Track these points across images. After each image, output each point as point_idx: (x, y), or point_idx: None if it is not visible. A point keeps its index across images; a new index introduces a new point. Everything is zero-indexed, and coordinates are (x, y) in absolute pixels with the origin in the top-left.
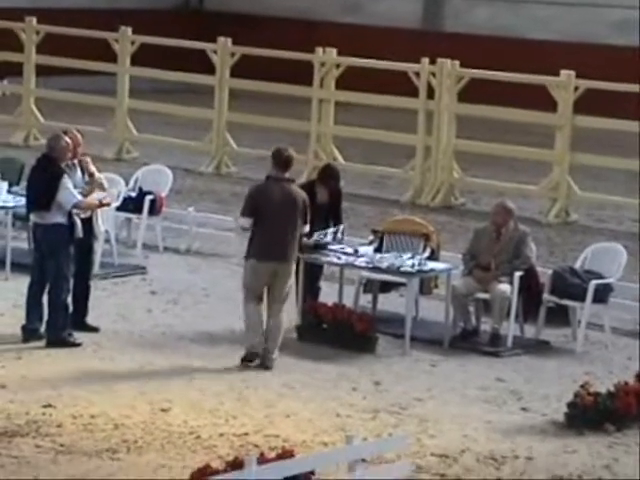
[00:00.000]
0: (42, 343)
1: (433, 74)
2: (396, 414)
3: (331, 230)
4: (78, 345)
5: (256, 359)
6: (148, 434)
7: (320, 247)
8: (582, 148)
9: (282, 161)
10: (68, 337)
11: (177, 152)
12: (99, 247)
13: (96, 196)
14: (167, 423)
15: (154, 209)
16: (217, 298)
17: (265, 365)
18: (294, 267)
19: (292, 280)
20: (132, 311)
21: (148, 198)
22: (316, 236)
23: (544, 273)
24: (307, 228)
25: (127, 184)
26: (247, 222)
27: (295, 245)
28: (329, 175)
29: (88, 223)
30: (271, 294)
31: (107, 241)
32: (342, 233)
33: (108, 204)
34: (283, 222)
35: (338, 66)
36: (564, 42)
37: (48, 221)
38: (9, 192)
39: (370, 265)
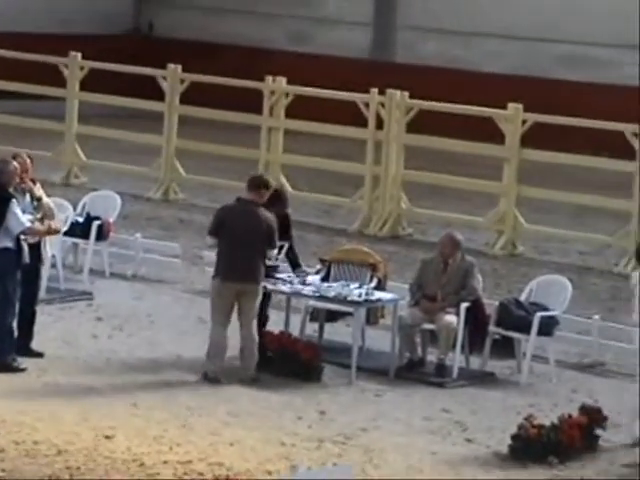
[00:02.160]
0: None
1: (382, 104)
2: (341, 444)
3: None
4: (22, 370)
5: (215, 383)
6: (91, 461)
7: (269, 275)
8: (529, 181)
9: (253, 184)
10: (12, 362)
11: (125, 178)
12: (45, 272)
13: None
14: (110, 450)
15: (101, 235)
16: (162, 325)
17: (246, 382)
18: (260, 289)
19: (259, 300)
20: (77, 337)
21: (96, 223)
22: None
23: (490, 305)
24: (275, 252)
25: (75, 209)
26: (211, 241)
27: (261, 266)
28: (277, 198)
29: (36, 248)
30: (241, 313)
31: (54, 266)
32: (292, 251)
33: (57, 231)
34: (246, 243)
35: (287, 95)
36: (512, 75)
37: None
38: None
39: (317, 294)
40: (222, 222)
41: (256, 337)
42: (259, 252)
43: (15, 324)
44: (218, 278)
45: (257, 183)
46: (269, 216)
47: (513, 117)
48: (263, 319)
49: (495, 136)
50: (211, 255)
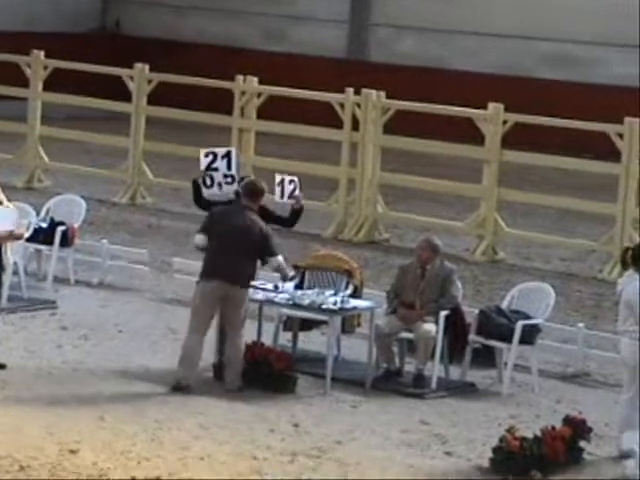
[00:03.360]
0: None
1: (358, 105)
2: (315, 457)
3: None
4: None
5: (185, 391)
6: (55, 476)
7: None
8: (510, 184)
9: (249, 191)
10: None
11: (91, 181)
12: (7, 279)
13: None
14: (76, 465)
15: (66, 240)
16: (130, 334)
17: (230, 390)
18: (247, 294)
19: (246, 306)
20: (41, 347)
21: (60, 229)
22: None
23: (470, 313)
24: (280, 258)
25: (38, 214)
26: (201, 240)
27: (247, 272)
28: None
29: None
30: (225, 320)
31: (15, 273)
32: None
33: (20, 236)
34: (236, 246)
35: (259, 95)
36: (492, 74)
37: None
38: None
39: (290, 302)
40: (214, 222)
41: (242, 347)
42: (248, 257)
43: None
44: (203, 279)
45: (254, 190)
46: (262, 224)
47: (493, 117)
48: None
49: (475, 137)
50: (179, 262)
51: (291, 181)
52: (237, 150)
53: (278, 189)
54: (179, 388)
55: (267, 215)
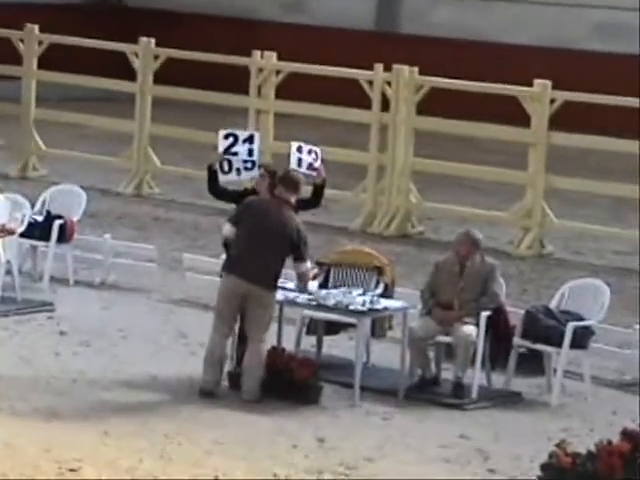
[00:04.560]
0: None
1: (388, 83)
2: (343, 475)
3: None
4: None
5: (212, 397)
6: None
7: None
8: (559, 169)
9: (291, 183)
10: None
11: (92, 170)
12: None
13: None
14: None
15: (64, 236)
16: (136, 340)
17: (247, 401)
18: (273, 298)
19: (271, 311)
20: (37, 354)
21: (57, 223)
22: None
23: (515, 313)
24: (308, 265)
25: (33, 206)
26: (229, 230)
27: (272, 273)
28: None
29: None
30: (246, 322)
31: (8, 273)
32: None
33: (12, 231)
34: (264, 243)
35: (278, 72)
36: (538, 47)
37: None
38: None
39: (314, 303)
40: (247, 213)
41: (263, 353)
42: (278, 256)
43: None
44: (224, 273)
45: (295, 184)
46: (298, 223)
47: (540, 96)
48: None
49: (519, 118)
50: (191, 258)
51: (311, 150)
52: (260, 134)
53: (294, 157)
54: (204, 394)
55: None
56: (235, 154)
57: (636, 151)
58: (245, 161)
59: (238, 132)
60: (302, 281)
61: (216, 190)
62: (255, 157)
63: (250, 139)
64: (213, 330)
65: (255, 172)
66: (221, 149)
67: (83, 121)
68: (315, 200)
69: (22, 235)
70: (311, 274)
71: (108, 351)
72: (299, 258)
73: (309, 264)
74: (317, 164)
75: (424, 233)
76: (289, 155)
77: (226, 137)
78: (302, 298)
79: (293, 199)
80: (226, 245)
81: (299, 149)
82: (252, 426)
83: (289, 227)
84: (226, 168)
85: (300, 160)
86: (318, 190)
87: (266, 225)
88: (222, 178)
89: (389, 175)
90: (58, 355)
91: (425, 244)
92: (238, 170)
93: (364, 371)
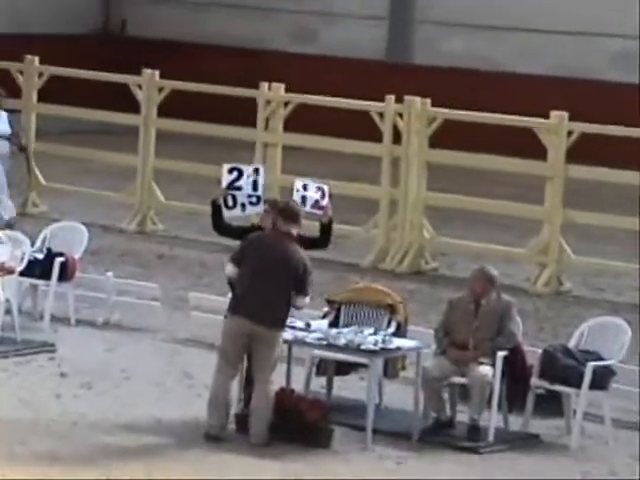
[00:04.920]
0: None
1: (400, 115)
2: None
3: None
4: None
5: (217, 441)
6: None
7: None
8: (577, 204)
9: (291, 215)
10: None
11: (93, 205)
12: None
13: None
14: None
15: (65, 274)
16: (139, 381)
17: (255, 444)
18: (280, 337)
19: (278, 350)
20: (37, 396)
21: (58, 261)
22: None
23: (532, 353)
24: (307, 300)
25: (33, 244)
26: (232, 270)
27: (282, 312)
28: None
29: None
30: (254, 362)
31: (8, 312)
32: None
33: (12, 270)
34: (268, 280)
35: (287, 104)
36: (555, 77)
37: None
38: None
39: (324, 342)
40: (249, 250)
41: (271, 394)
42: (284, 294)
43: None
44: (229, 314)
45: (295, 215)
46: (303, 256)
47: (557, 127)
48: None
49: (536, 150)
50: (197, 297)
51: (318, 188)
52: (265, 168)
53: (299, 195)
54: (209, 438)
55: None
56: (239, 189)
57: None
58: (250, 196)
59: (242, 166)
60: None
61: (221, 226)
62: (260, 191)
63: (255, 173)
64: (217, 372)
65: (260, 207)
66: (225, 184)
67: (85, 155)
68: (323, 240)
69: (22, 274)
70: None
71: (110, 393)
72: (300, 292)
73: (308, 300)
74: (324, 202)
75: (438, 270)
76: (293, 193)
77: (230, 171)
78: (312, 337)
79: (294, 231)
80: (231, 285)
81: (304, 187)
82: (260, 471)
83: (294, 260)
84: (230, 203)
85: (304, 198)
86: (325, 230)
87: (270, 261)
88: (227, 214)
89: (401, 210)
90: (59, 397)
91: (439, 281)
92: (243, 205)
93: (376, 413)
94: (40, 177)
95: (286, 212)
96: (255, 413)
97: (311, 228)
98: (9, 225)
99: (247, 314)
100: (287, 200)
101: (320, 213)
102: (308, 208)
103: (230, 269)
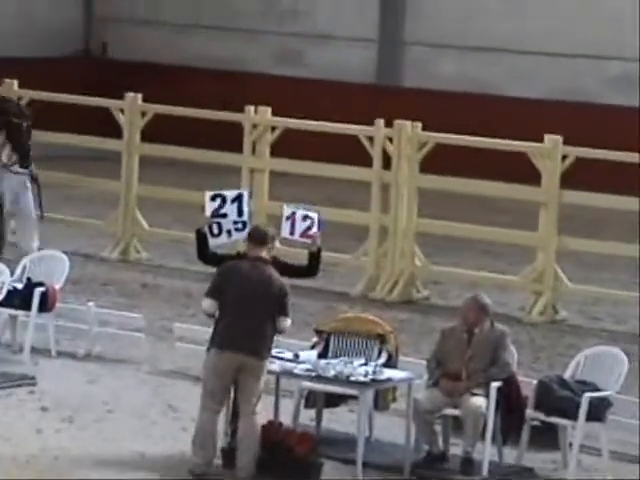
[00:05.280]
0: None
1: (390, 139)
2: None
3: None
4: None
5: (204, 478)
6: None
7: None
8: (572, 230)
9: (257, 239)
10: None
11: (75, 234)
12: None
13: None
14: None
15: (45, 304)
16: (123, 414)
17: (242, 479)
18: (266, 367)
19: (264, 379)
20: (17, 431)
21: (38, 291)
22: None
23: (527, 384)
24: (289, 322)
25: (12, 273)
26: (211, 306)
27: (268, 338)
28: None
29: None
30: (239, 394)
31: None
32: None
33: None
34: (254, 308)
35: (274, 128)
36: (549, 101)
37: None
38: None
39: (313, 373)
40: (225, 282)
41: (258, 426)
42: (268, 320)
43: None
44: (214, 348)
45: (262, 237)
46: (280, 278)
47: (551, 152)
48: None
49: (529, 175)
50: (181, 327)
51: (306, 217)
52: (249, 192)
53: (287, 223)
54: (194, 476)
55: (279, 268)
56: (224, 216)
57: None
58: (235, 222)
59: (226, 192)
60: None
61: (206, 255)
62: (245, 217)
63: (239, 198)
64: (202, 409)
65: (246, 232)
66: (209, 212)
67: (66, 181)
68: (311, 269)
69: (0, 304)
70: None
71: (93, 427)
72: (283, 313)
73: (290, 322)
74: (313, 231)
75: (430, 298)
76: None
77: (213, 199)
78: (300, 369)
79: (264, 253)
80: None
81: (292, 215)
82: None
83: (274, 284)
84: (216, 231)
85: (293, 227)
86: (314, 259)
87: (249, 289)
88: (212, 242)
89: (392, 237)
90: (39, 432)
91: (431, 310)
92: (229, 232)
93: (367, 446)
94: None
95: (253, 236)
96: (242, 446)
97: (300, 256)
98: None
99: (236, 347)
100: (256, 225)
101: (309, 242)
102: (297, 236)
103: (209, 304)
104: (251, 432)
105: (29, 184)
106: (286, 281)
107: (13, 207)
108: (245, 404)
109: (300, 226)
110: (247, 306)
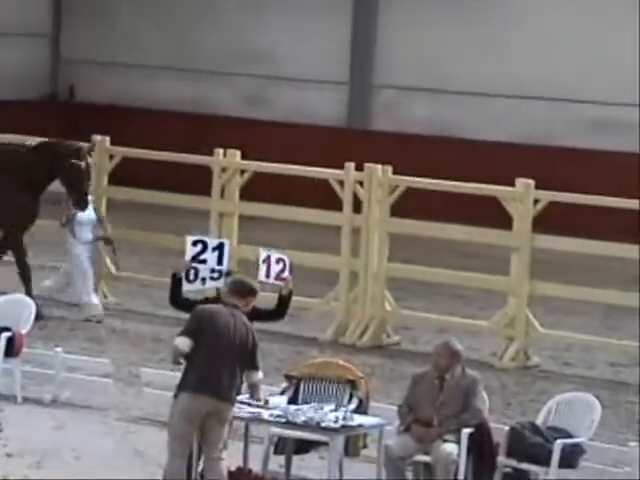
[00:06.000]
0: None
1: (360, 183)
2: None
3: None
4: None
5: None
6: None
7: None
8: (544, 275)
9: (237, 290)
10: None
11: (40, 278)
12: None
13: None
14: None
15: (11, 349)
16: (91, 461)
17: None
18: (232, 410)
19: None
20: None
21: (4, 336)
22: None
23: (499, 430)
24: (261, 375)
25: None
26: (185, 344)
27: (237, 386)
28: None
29: None
30: (208, 443)
31: None
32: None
33: None
34: (228, 356)
35: (243, 172)
36: (520, 144)
37: None
38: None
39: (283, 419)
40: (202, 324)
41: (225, 474)
42: (241, 368)
43: None
44: (186, 392)
45: (243, 289)
46: (253, 329)
47: (523, 196)
48: None
49: (501, 220)
50: (149, 373)
51: (279, 260)
52: (230, 242)
53: (263, 267)
54: None
55: (248, 312)
56: (204, 262)
57: (630, 255)
58: (213, 270)
59: (207, 239)
60: (256, 392)
61: (178, 300)
62: (224, 266)
63: (220, 247)
64: (170, 455)
65: (221, 282)
66: (189, 257)
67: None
68: (279, 312)
69: None
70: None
71: (60, 473)
72: (254, 366)
73: (261, 374)
74: (285, 274)
75: (400, 343)
76: (257, 265)
77: (194, 244)
78: (269, 415)
79: (240, 304)
80: (178, 361)
81: (267, 259)
82: None
83: (247, 335)
84: (192, 277)
85: (269, 269)
86: (284, 301)
87: (226, 336)
88: (186, 287)
89: (362, 281)
90: (6, 478)
91: (402, 355)
92: (203, 280)
93: None
94: None
95: (236, 288)
96: None
97: (268, 300)
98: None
99: (211, 392)
100: (240, 278)
101: (282, 284)
102: (272, 279)
103: (184, 342)
104: (219, 476)
105: None
106: (255, 326)
107: None
108: (211, 449)
109: (274, 269)
110: (224, 352)
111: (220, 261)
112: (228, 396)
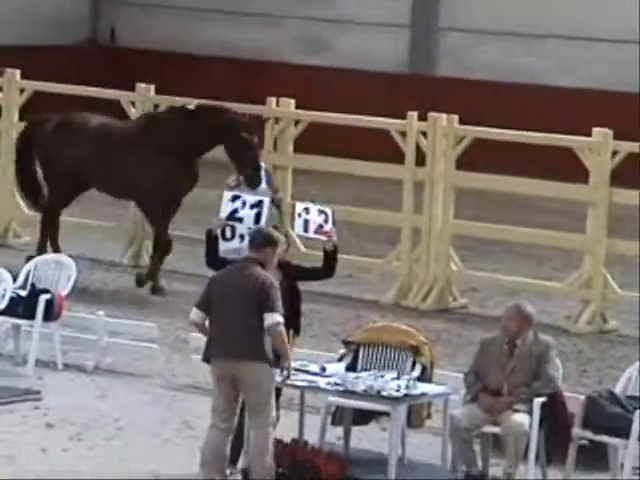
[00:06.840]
0: None
1: (424, 133)
2: None
3: None
4: None
5: None
6: None
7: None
8: (622, 232)
9: (255, 242)
10: None
11: (82, 236)
12: None
13: None
14: None
15: (51, 313)
16: (135, 432)
17: None
18: (266, 369)
19: (271, 386)
20: (21, 450)
21: (43, 298)
22: None
23: (574, 399)
24: (276, 317)
25: (15, 279)
26: (198, 316)
27: (258, 340)
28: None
29: None
30: (248, 410)
31: None
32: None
33: None
34: (235, 311)
35: (297, 122)
36: (598, 91)
37: None
38: None
39: (341, 388)
40: (212, 291)
41: (269, 444)
42: (255, 321)
43: None
44: (208, 362)
45: (260, 240)
46: (266, 276)
47: (600, 147)
48: None
49: (576, 173)
50: (198, 338)
51: (321, 211)
52: (271, 199)
53: (300, 220)
54: None
55: (293, 272)
56: (240, 220)
57: None
58: (250, 229)
59: (246, 196)
60: (274, 338)
61: (215, 261)
62: (262, 224)
63: (259, 205)
64: (209, 427)
65: None
66: (225, 213)
67: None
68: (326, 269)
69: (2, 313)
70: (284, 331)
71: (103, 446)
72: (267, 309)
73: (279, 317)
74: (327, 227)
75: (467, 307)
76: (294, 218)
77: (233, 200)
78: (326, 383)
79: (258, 256)
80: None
81: (306, 211)
82: None
83: (253, 284)
84: (228, 235)
85: (307, 223)
86: (329, 257)
87: (230, 291)
88: (223, 246)
89: (426, 240)
90: (45, 451)
91: (468, 320)
92: (242, 237)
93: (399, 467)
94: (21, 203)
95: (254, 238)
96: (253, 468)
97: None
98: None
99: (224, 354)
100: (261, 228)
101: (324, 239)
102: (311, 233)
103: (194, 313)
104: (260, 452)
105: None
106: (309, 287)
107: None
108: (252, 419)
109: (314, 222)
110: (229, 309)
111: (258, 220)
112: (246, 352)
